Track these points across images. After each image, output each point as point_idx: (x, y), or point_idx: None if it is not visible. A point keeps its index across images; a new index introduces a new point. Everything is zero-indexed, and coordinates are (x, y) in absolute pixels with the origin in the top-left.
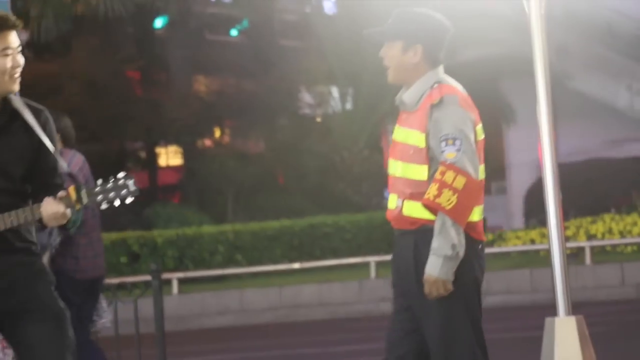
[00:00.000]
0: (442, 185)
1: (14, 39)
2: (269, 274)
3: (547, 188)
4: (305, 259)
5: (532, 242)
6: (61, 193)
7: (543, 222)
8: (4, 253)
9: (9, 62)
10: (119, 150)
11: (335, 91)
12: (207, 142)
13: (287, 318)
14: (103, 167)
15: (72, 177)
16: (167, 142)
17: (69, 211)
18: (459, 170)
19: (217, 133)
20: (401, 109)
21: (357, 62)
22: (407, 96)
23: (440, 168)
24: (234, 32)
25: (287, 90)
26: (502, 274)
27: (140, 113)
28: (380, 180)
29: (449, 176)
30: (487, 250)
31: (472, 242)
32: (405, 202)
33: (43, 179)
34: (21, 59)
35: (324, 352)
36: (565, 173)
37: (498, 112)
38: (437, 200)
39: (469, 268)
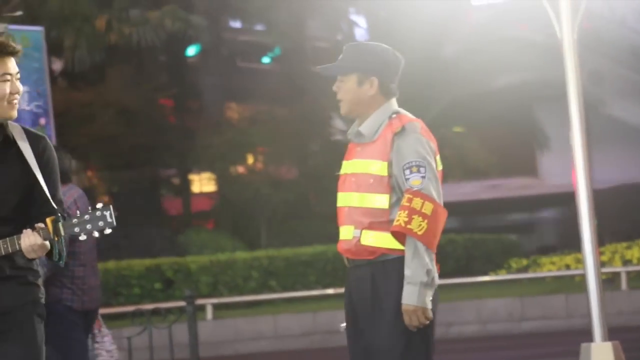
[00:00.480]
0: (412, 211)
1: (13, 65)
2: (302, 300)
3: (582, 213)
4: (339, 285)
5: (567, 267)
6: (39, 225)
7: (578, 247)
8: None
9: (7, 88)
10: (152, 178)
11: None
12: (240, 169)
13: (321, 344)
14: (137, 195)
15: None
16: (200, 169)
17: (47, 243)
18: (426, 197)
19: (250, 159)
20: (355, 141)
21: None
22: (364, 128)
23: (407, 195)
24: (266, 60)
25: (319, 116)
26: (538, 299)
27: (173, 140)
28: None
29: (417, 203)
30: (522, 275)
31: None
32: (364, 231)
33: (39, 208)
34: (20, 86)
35: None
36: (600, 198)
37: (531, 138)
38: (409, 226)
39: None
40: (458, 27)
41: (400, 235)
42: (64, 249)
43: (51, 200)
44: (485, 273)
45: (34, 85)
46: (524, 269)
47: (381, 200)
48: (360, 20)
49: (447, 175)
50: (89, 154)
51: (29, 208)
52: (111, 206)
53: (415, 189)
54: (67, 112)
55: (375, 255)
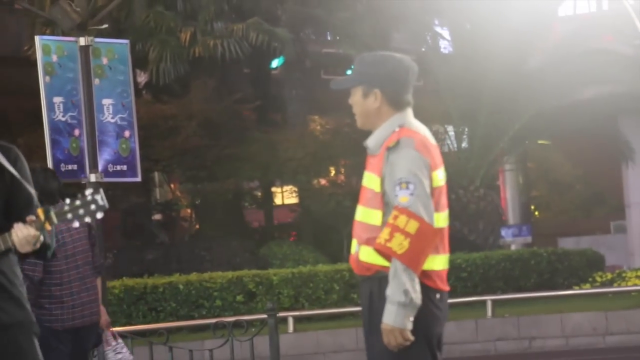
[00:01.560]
0: (394, 229)
1: None
2: None
3: None
4: None
5: None
6: (29, 217)
7: None
8: None
9: None
10: (235, 190)
11: (450, 130)
12: (323, 181)
13: None
14: (219, 207)
15: None
16: (282, 182)
17: (41, 236)
18: (412, 215)
19: (333, 172)
20: (368, 153)
21: (473, 100)
22: (370, 140)
23: (394, 212)
24: (349, 72)
25: None
26: (622, 313)
27: (256, 153)
28: (496, 219)
29: (401, 220)
30: (607, 289)
31: (427, 291)
32: (362, 247)
33: (20, 213)
34: None
35: None
36: None
37: (617, 151)
38: (388, 244)
39: (419, 317)
40: (543, 39)
41: (383, 253)
42: (54, 242)
43: (33, 205)
44: (569, 287)
45: (119, 98)
46: (609, 283)
47: (375, 216)
48: (445, 32)
49: (532, 187)
50: (172, 166)
51: (11, 215)
52: (101, 189)
53: (402, 206)
54: (151, 125)
55: (372, 272)
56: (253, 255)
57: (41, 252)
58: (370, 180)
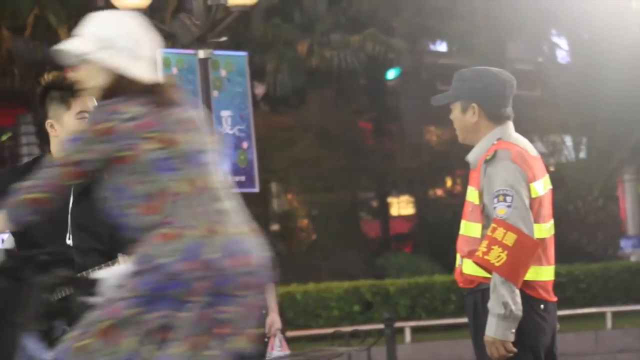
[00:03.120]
0: (492, 242)
1: (91, 104)
2: None
3: None
4: None
5: None
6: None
7: None
8: None
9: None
10: (351, 200)
11: (568, 140)
12: (439, 192)
13: None
14: (336, 217)
15: None
16: (399, 192)
17: None
18: (510, 227)
19: (449, 182)
20: (470, 168)
21: (591, 110)
22: (471, 155)
23: (492, 225)
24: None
25: None
26: None
27: (372, 163)
28: (616, 230)
29: (499, 233)
30: None
31: (531, 302)
32: (464, 260)
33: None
34: None
35: None
36: None
37: None
38: (486, 257)
39: (523, 328)
40: None
41: (481, 265)
42: None
43: None
44: None
45: (237, 110)
46: None
47: (476, 229)
48: (562, 42)
49: None
50: (289, 177)
51: (118, 239)
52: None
53: (500, 218)
54: (268, 136)
55: (475, 284)
56: (369, 265)
57: None
58: (471, 194)
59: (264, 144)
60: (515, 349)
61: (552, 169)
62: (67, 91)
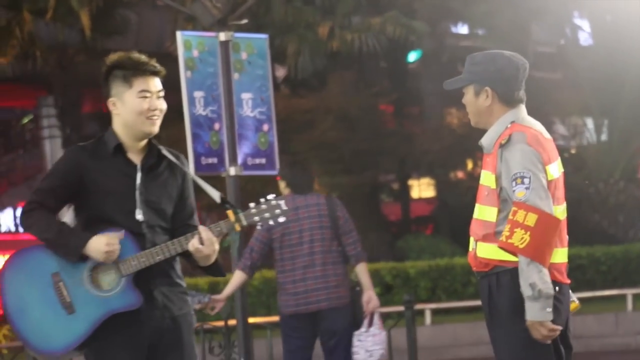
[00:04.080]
0: (514, 225)
1: (154, 83)
2: None
3: None
4: None
5: None
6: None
7: None
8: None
9: (145, 104)
10: (372, 183)
11: (590, 122)
12: (460, 174)
13: None
14: (356, 200)
15: None
16: (419, 174)
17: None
18: (530, 208)
19: (469, 165)
20: (483, 152)
21: (613, 93)
22: (484, 139)
23: (512, 208)
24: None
25: (541, 121)
26: None
27: (393, 146)
28: (637, 212)
29: (520, 215)
30: None
31: None
32: (479, 243)
33: (184, 219)
34: (161, 104)
35: None
36: None
37: None
38: (509, 240)
39: None
40: None
41: (507, 250)
42: (237, 240)
43: (194, 216)
44: None
45: (258, 92)
46: None
47: (491, 213)
48: (585, 24)
49: None
50: (309, 160)
51: (176, 220)
52: (283, 196)
53: (520, 200)
54: (288, 119)
55: (489, 268)
56: (390, 247)
57: (214, 268)
58: (486, 178)
59: (284, 127)
60: (556, 327)
61: (573, 151)
62: (130, 70)
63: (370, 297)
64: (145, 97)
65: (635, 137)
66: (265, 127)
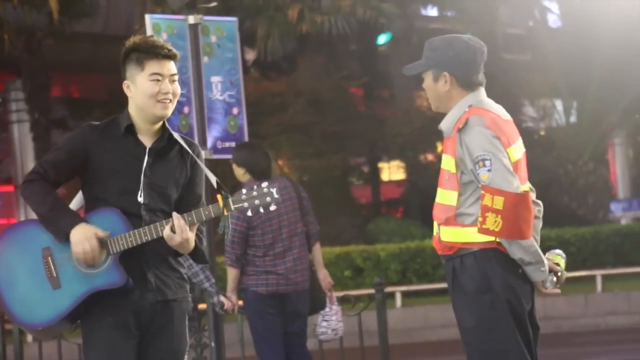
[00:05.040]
0: (484, 209)
1: (168, 67)
2: None
3: None
4: None
5: None
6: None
7: None
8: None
9: (156, 88)
10: (342, 166)
11: (559, 104)
12: (430, 157)
13: None
14: (327, 183)
15: None
16: (389, 157)
17: (192, 237)
18: (495, 191)
19: (439, 147)
20: (444, 136)
21: (582, 75)
22: (443, 123)
23: (481, 192)
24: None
25: (510, 104)
26: None
27: (363, 129)
28: (606, 194)
29: (488, 199)
30: None
31: (510, 263)
32: (442, 227)
33: (189, 206)
34: (175, 88)
35: None
36: None
37: None
38: (484, 226)
39: (504, 289)
40: None
41: (486, 235)
42: (229, 226)
43: (200, 205)
44: None
45: (227, 75)
46: None
47: (451, 197)
48: (553, 6)
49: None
50: (280, 143)
51: (182, 205)
52: (276, 184)
53: (484, 183)
54: (258, 102)
55: (454, 251)
56: (360, 230)
57: (197, 254)
58: (447, 162)
59: (254, 110)
60: (547, 287)
61: (542, 133)
62: (143, 53)
63: (325, 274)
64: (157, 80)
65: (604, 118)
66: (235, 110)
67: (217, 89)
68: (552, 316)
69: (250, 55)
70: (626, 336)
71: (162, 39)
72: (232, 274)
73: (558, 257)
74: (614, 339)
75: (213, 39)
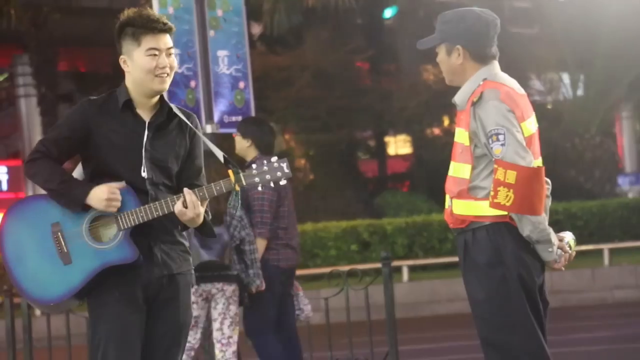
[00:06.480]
0: (496, 184)
1: (164, 41)
2: None
3: None
4: None
5: None
6: (223, 180)
7: None
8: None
9: (153, 62)
10: (348, 140)
11: (566, 78)
12: (436, 131)
13: None
14: (333, 157)
15: None
16: (396, 131)
17: (202, 211)
18: (507, 165)
19: (446, 121)
20: (457, 109)
21: (589, 48)
22: (457, 96)
23: (494, 166)
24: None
25: (516, 77)
26: None
27: (369, 103)
28: (613, 167)
29: (500, 173)
30: None
31: (521, 237)
32: (454, 200)
33: (190, 178)
34: (171, 61)
35: (555, 340)
36: None
37: None
38: (496, 200)
39: (516, 264)
40: None
41: (498, 209)
42: (239, 201)
43: (201, 176)
44: None
45: (234, 49)
46: None
47: (465, 170)
48: None
49: None
50: (286, 117)
51: (182, 178)
52: (286, 159)
53: (497, 157)
54: (265, 76)
55: (466, 224)
56: (367, 205)
57: (205, 228)
58: (460, 135)
59: (260, 84)
60: (556, 263)
61: (549, 106)
62: (139, 28)
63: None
64: (154, 55)
65: (612, 92)
66: (242, 84)
67: (223, 63)
68: (560, 290)
69: (257, 30)
70: (633, 310)
71: (168, 12)
72: (262, 245)
73: (570, 240)
74: (621, 313)
75: (219, 12)
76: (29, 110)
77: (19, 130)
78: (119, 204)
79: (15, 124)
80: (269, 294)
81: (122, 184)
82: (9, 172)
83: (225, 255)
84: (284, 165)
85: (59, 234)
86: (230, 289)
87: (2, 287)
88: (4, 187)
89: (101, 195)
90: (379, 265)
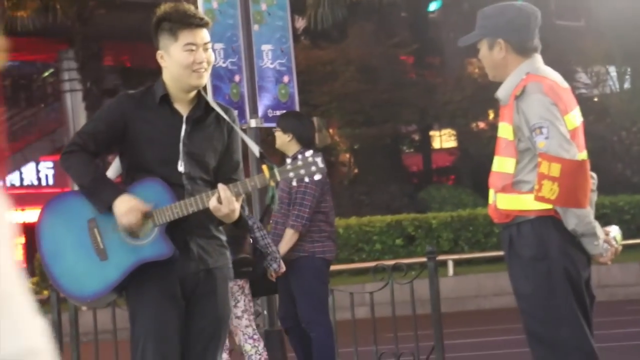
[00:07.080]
0: (541, 177)
1: (201, 36)
2: None
3: None
4: None
5: None
6: (257, 175)
7: None
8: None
9: (191, 58)
10: (393, 134)
11: (613, 70)
12: (481, 124)
13: None
14: (378, 151)
15: None
16: (440, 125)
17: (237, 207)
18: (552, 158)
19: (491, 115)
20: (500, 104)
21: (636, 40)
22: (500, 91)
23: (538, 160)
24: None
25: (563, 70)
26: None
27: (414, 97)
28: None
29: (544, 167)
30: None
31: (567, 234)
32: (498, 195)
33: (228, 173)
34: (208, 56)
35: (601, 334)
36: None
37: None
38: (540, 194)
39: (561, 257)
40: None
41: (542, 203)
42: (275, 195)
43: (239, 170)
44: None
45: (278, 44)
46: None
47: (509, 164)
48: None
49: None
50: (330, 111)
51: (219, 173)
52: (321, 153)
53: (541, 151)
54: (309, 70)
55: (510, 218)
56: (412, 199)
57: (240, 223)
58: (504, 130)
59: (305, 78)
60: (603, 257)
61: (596, 100)
62: (176, 23)
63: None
64: (191, 50)
65: None
66: (286, 78)
67: (267, 57)
68: (607, 284)
69: (301, 24)
70: None
71: (212, 7)
72: (294, 238)
73: (617, 234)
74: None
75: (263, 6)
76: (75, 105)
77: (65, 125)
78: (135, 226)
79: (60, 119)
80: (322, 286)
81: (150, 207)
82: (55, 167)
83: (245, 250)
84: (319, 160)
85: (95, 229)
86: (247, 285)
87: (48, 281)
88: (50, 181)
89: (123, 208)
90: (424, 259)
